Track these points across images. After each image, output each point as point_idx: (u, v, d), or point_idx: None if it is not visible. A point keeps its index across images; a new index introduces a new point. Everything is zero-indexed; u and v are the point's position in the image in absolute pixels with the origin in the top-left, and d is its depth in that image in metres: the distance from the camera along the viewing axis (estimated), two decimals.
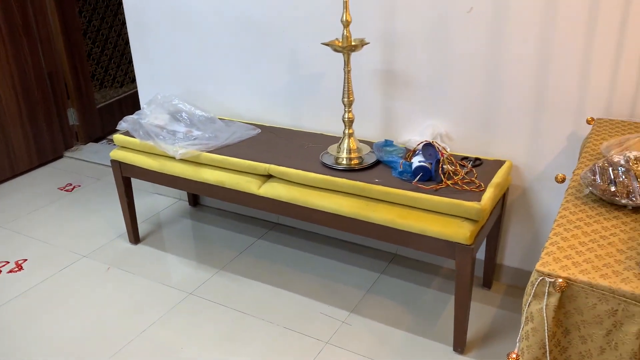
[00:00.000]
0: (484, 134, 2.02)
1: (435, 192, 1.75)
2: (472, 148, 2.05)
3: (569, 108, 1.83)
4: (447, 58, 1.98)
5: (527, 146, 1.96)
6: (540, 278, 0.98)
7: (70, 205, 2.94)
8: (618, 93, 1.74)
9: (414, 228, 1.74)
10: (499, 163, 1.93)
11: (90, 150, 3.64)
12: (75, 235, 2.64)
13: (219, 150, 2.15)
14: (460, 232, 1.67)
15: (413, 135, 2.10)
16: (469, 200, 1.69)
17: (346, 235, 2.50)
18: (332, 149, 2.04)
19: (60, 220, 2.79)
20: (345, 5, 1.82)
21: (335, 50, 1.88)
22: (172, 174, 2.23)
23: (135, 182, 2.64)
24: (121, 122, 2.40)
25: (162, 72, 2.68)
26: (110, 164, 3.36)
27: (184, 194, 2.94)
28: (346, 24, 1.84)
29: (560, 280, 0.96)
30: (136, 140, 2.29)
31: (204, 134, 2.28)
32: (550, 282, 0.97)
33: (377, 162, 1.98)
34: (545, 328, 0.98)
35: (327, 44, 1.89)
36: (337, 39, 1.92)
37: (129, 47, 4.06)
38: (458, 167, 1.85)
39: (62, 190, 3.13)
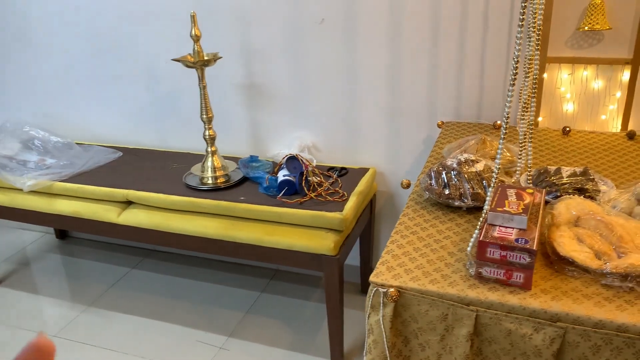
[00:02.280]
0: (349, 143, 2.03)
1: (299, 205, 1.73)
2: (339, 158, 2.06)
3: (423, 112, 1.89)
4: (306, 69, 1.97)
5: (388, 152, 1.99)
6: (375, 289, 0.97)
7: None
8: (465, 96, 1.82)
9: (280, 244, 1.70)
10: (363, 171, 1.95)
11: None
12: None
13: (74, 179, 2.00)
14: (324, 243, 1.66)
15: (281, 149, 2.07)
16: (331, 211, 1.68)
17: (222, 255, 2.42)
18: (196, 168, 1.96)
19: None
20: (194, 20, 1.75)
21: (187, 66, 1.81)
22: (23, 208, 2.03)
23: None
24: None
25: (12, 96, 2.46)
26: None
27: (49, 227, 2.71)
28: (196, 39, 1.78)
29: (392, 289, 0.95)
30: None
31: (59, 162, 2.11)
32: (383, 292, 0.96)
33: (245, 179, 1.93)
34: (384, 339, 0.97)
35: (177, 60, 1.81)
36: (189, 54, 1.85)
37: None
38: (322, 178, 1.85)
39: None
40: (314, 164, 1.95)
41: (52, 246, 2.63)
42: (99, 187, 1.93)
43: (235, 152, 2.17)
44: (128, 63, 2.21)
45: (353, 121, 1.99)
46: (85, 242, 2.64)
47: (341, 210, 1.69)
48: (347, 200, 1.75)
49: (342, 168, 1.97)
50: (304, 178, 1.79)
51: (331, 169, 1.97)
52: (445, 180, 1.18)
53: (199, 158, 2.12)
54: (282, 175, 1.81)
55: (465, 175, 1.16)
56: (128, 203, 1.95)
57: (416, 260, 1.02)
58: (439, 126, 1.78)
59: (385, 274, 0.99)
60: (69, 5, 2.18)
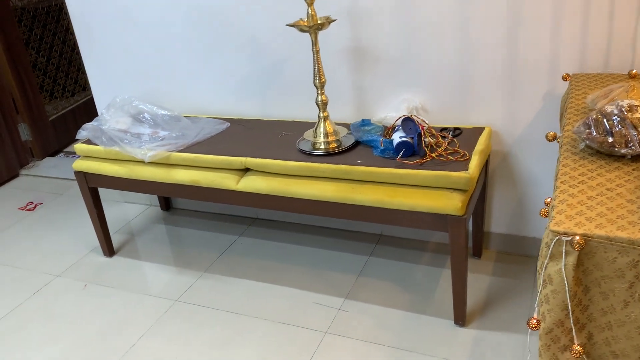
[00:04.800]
0: (460, 102, 1.98)
1: (420, 166, 1.71)
2: (449, 118, 2.02)
3: (543, 67, 1.81)
4: (415, 27, 1.93)
5: (504, 110, 1.93)
6: (556, 238, 0.95)
7: (34, 225, 2.78)
8: (590, 46, 1.73)
9: (403, 205, 1.70)
10: (479, 130, 1.91)
11: (47, 165, 3.47)
12: (45, 255, 2.50)
13: (189, 149, 2.06)
14: (451, 203, 1.64)
15: (388, 112, 2.05)
16: (456, 171, 1.66)
17: (328, 221, 2.44)
18: (309, 134, 1.98)
19: (26, 241, 2.64)
20: None
21: (302, 30, 1.80)
22: (142, 179, 2.12)
23: (102, 192, 2.51)
24: (80, 130, 2.27)
25: (116, 74, 2.55)
26: (72, 177, 3.22)
27: (154, 199, 2.82)
28: (310, 2, 1.77)
29: (578, 237, 0.92)
30: (99, 148, 2.16)
31: (171, 134, 2.18)
32: (566, 240, 0.93)
33: (357, 143, 1.93)
34: (567, 288, 0.95)
35: (292, 25, 1.81)
36: (301, 19, 1.85)
37: (76, 53, 3.88)
38: (440, 139, 1.82)
39: (23, 210, 2.96)
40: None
41: (158, 217, 2.73)
42: (216, 156, 1.97)
43: (341, 118, 2.16)
44: (230, 35, 2.23)
45: (465, 79, 1.94)
46: (189, 212, 2.73)
47: (466, 169, 1.66)
48: (469, 159, 1.71)
49: (456, 128, 1.93)
50: (421, 139, 1.77)
51: (444, 129, 1.93)
52: (608, 128, 1.13)
53: (304, 125, 2.14)
54: (399, 137, 1.80)
55: (631, 122, 1.11)
56: (244, 170, 1.99)
57: (594, 208, 0.99)
58: (564, 79, 1.71)
59: (566, 222, 0.96)
60: None
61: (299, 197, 1.85)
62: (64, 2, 3.72)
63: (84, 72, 3.96)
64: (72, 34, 3.84)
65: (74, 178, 3.21)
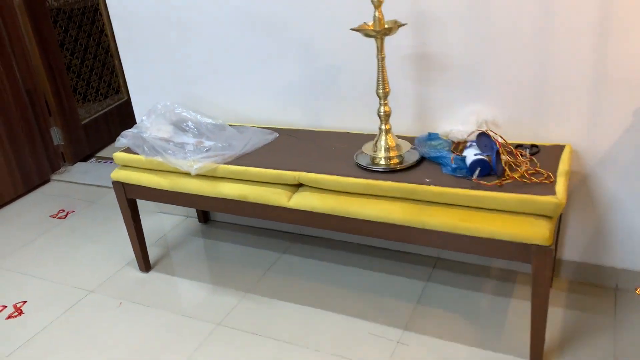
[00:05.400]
0: (535, 117, 1.80)
1: (500, 188, 1.53)
2: (522, 134, 1.84)
3: (635, 80, 1.63)
4: (489, 35, 1.76)
5: (586, 126, 1.75)
6: None
7: (66, 234, 2.66)
8: None
9: (480, 231, 1.52)
10: (558, 148, 1.72)
11: (79, 171, 3.36)
12: (78, 268, 2.37)
13: (237, 161, 1.91)
14: (537, 231, 1.45)
15: (455, 125, 1.87)
16: (541, 194, 1.47)
17: (379, 240, 2.27)
18: (367, 148, 1.81)
19: (57, 252, 2.51)
20: None
21: (367, 35, 1.64)
22: (186, 192, 1.97)
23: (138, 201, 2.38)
24: (119, 137, 2.13)
25: (156, 78, 2.42)
26: (104, 184, 3.11)
27: (192, 211, 2.68)
28: (378, 4, 1.61)
29: None
30: (141, 157, 2.03)
31: (217, 144, 2.03)
32: None
33: (422, 160, 1.76)
34: None
35: (356, 30, 1.65)
36: (365, 22, 1.69)
37: (110, 56, 3.78)
38: (519, 157, 1.64)
39: (54, 217, 2.85)
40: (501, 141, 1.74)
41: (195, 230, 2.59)
42: (267, 170, 1.82)
43: (400, 131, 1.99)
44: (281, 39, 2.08)
45: (542, 91, 1.76)
46: (228, 225, 2.58)
47: (552, 193, 1.48)
48: (554, 181, 1.53)
49: (533, 145, 1.75)
50: (499, 157, 1.59)
51: (519, 146, 1.75)
52: None
53: (359, 137, 1.98)
54: (473, 154, 1.62)
55: None
56: (296, 186, 1.83)
57: None
58: None
59: None
60: None
61: (359, 218, 1.69)
62: (100, 3, 3.63)
63: (117, 75, 3.86)
64: (107, 35, 3.74)
65: (107, 185, 3.12)
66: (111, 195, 3.00)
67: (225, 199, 1.90)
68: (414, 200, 1.64)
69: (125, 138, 2.13)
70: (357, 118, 2.06)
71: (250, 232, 2.50)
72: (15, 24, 3.01)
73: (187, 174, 1.94)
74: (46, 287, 2.26)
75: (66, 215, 2.85)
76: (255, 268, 2.24)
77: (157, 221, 2.70)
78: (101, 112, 3.68)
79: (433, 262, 2.16)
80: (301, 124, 2.19)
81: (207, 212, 2.64)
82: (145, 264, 2.28)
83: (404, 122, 1.99)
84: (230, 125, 2.18)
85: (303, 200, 1.77)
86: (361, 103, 2.04)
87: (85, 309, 2.11)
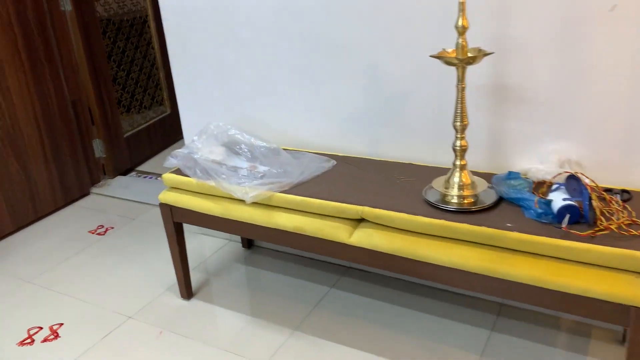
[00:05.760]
0: (627, 159, 1.64)
1: (592, 239, 1.37)
2: (610, 177, 1.67)
3: None
4: (579, 67, 1.61)
5: None
6: None
7: (105, 252, 2.57)
8: None
9: (571, 287, 1.36)
10: None
11: (119, 185, 3.28)
12: (116, 291, 2.27)
13: (293, 190, 1.78)
14: (636, 292, 1.29)
15: (533, 164, 1.72)
16: (636, 248, 1.31)
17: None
18: (438, 183, 1.67)
19: (96, 271, 2.42)
20: (462, 7, 1.45)
21: (449, 63, 1.51)
22: (238, 220, 1.85)
23: None
24: (170, 157, 2.04)
25: (208, 96, 2.32)
26: (144, 200, 3.02)
27: (234, 235, 2.57)
28: (462, 31, 1.48)
29: None
30: (191, 180, 1.92)
31: (271, 170, 1.92)
32: None
33: (499, 200, 1.61)
34: None
35: (437, 57, 1.52)
36: (444, 49, 1.56)
37: (156, 68, 3.73)
38: (614, 205, 1.47)
39: (93, 233, 2.76)
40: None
41: (238, 256, 2.47)
42: (328, 202, 1.69)
43: (470, 166, 1.84)
44: (344, 61, 1.96)
45: (636, 131, 1.60)
46: (273, 253, 2.46)
47: None
48: None
49: (624, 191, 1.58)
50: (591, 204, 1.43)
51: (607, 190, 1.59)
52: None
53: (424, 170, 1.84)
54: (562, 198, 1.47)
55: None
56: (358, 221, 1.70)
57: None
58: None
59: None
60: (275, 0, 1.99)
61: (429, 262, 1.54)
62: (149, 15, 3.59)
63: (161, 89, 3.81)
64: (154, 48, 3.69)
65: (147, 202, 3.04)
66: (151, 213, 2.92)
67: (280, 230, 1.78)
68: (492, 246, 1.49)
69: (175, 158, 2.03)
70: (423, 149, 1.93)
71: (295, 262, 2.37)
72: (66, 33, 2.97)
73: (241, 201, 1.83)
74: (83, 309, 2.16)
75: (105, 232, 2.77)
76: (302, 302, 2.10)
77: (198, 243, 2.59)
78: (144, 126, 3.62)
79: (497, 309, 1.99)
80: (360, 152, 2.06)
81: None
82: (187, 291, 2.16)
83: (475, 157, 1.84)
84: (284, 149, 2.07)
85: (366, 238, 1.63)
86: (428, 133, 1.90)
87: (124, 337, 1.99)
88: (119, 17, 3.37)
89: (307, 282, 2.23)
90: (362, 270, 2.27)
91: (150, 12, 3.61)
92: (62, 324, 2.09)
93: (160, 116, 3.79)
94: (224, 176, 1.86)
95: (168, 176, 2.00)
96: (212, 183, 1.86)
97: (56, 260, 2.52)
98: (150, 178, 3.37)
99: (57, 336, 2.02)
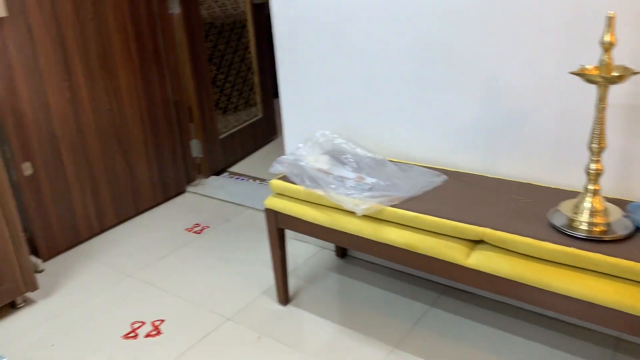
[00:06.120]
0: None
1: None
2: None
3: None
4: None
5: None
6: None
7: (201, 252, 2.62)
8: None
9: None
10: None
11: (213, 185, 3.36)
12: (214, 291, 2.30)
13: (405, 205, 1.73)
14: None
15: None
16: None
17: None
18: (566, 207, 1.56)
19: (193, 269, 2.47)
20: (610, 23, 1.35)
21: (590, 81, 1.41)
22: (344, 231, 1.83)
23: (264, 223, 2.22)
24: (275, 164, 2.04)
25: (313, 103, 2.31)
26: (237, 201, 3.07)
27: (327, 242, 2.55)
28: (608, 47, 1.37)
29: None
30: (299, 188, 1.91)
31: (379, 182, 1.87)
32: None
33: (635, 231, 1.48)
34: None
35: (577, 74, 1.42)
36: (582, 65, 1.46)
37: (252, 72, 3.79)
38: None
39: (189, 231, 2.83)
40: None
41: (331, 265, 2.45)
42: (445, 220, 1.62)
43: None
44: (460, 72, 1.89)
45: None
46: (367, 264, 2.42)
47: None
48: None
49: None
50: None
51: None
52: None
53: (545, 192, 1.74)
54: None
55: None
56: (474, 242, 1.62)
57: None
58: None
59: None
60: (389, 7, 1.94)
61: (555, 292, 1.44)
62: (248, 20, 3.65)
63: (255, 92, 3.87)
64: (250, 52, 3.75)
65: (241, 203, 3.08)
66: (245, 215, 2.96)
67: (389, 245, 1.73)
68: (629, 280, 1.37)
69: (281, 165, 2.04)
70: (544, 169, 1.82)
71: (391, 275, 2.31)
72: (172, 36, 3.07)
73: (349, 212, 1.80)
74: (183, 307, 2.21)
75: (201, 231, 2.83)
76: (401, 319, 2.05)
77: (291, 249, 2.59)
78: (237, 128, 3.69)
79: (614, 343, 1.85)
80: (471, 168, 1.98)
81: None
82: (284, 297, 2.16)
83: (605, 181, 1.71)
84: (390, 161, 2.02)
85: (485, 261, 1.55)
86: (549, 152, 1.79)
87: (223, 339, 2.01)
88: (220, 21, 3.45)
89: (404, 297, 2.17)
90: (462, 290, 2.18)
91: (249, 17, 3.68)
92: (163, 320, 2.14)
93: (253, 119, 3.85)
94: (332, 186, 1.84)
95: (276, 182, 2.00)
96: (320, 192, 1.84)
97: (156, 256, 2.60)
98: (242, 180, 3.42)
99: (159, 332, 2.07)
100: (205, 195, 3.23)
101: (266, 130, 4.02)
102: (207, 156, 3.42)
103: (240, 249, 2.62)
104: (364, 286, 2.27)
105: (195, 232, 2.82)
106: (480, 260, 1.56)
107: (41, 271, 2.51)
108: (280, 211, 1.98)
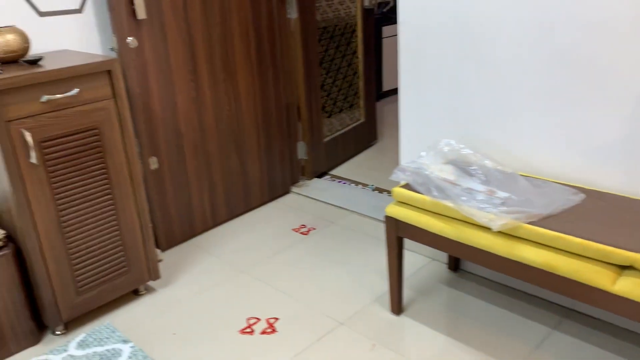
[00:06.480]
0: None
1: None
2: None
3: None
4: None
5: None
6: None
7: (309, 253, 2.66)
8: None
9: None
10: None
11: (316, 187, 3.40)
12: (324, 294, 2.32)
13: (543, 223, 1.66)
14: None
15: None
16: None
17: None
18: None
19: (303, 270, 2.51)
20: None
21: None
22: (472, 246, 1.78)
23: (376, 230, 2.22)
24: (397, 171, 2.02)
25: (435, 111, 2.28)
26: (340, 205, 3.09)
27: (440, 254, 2.50)
28: None
29: None
30: (425, 198, 1.88)
31: (512, 197, 1.81)
32: None
33: None
34: None
35: None
36: None
37: (357, 77, 3.81)
38: None
39: (296, 232, 2.88)
40: None
41: (443, 277, 2.40)
42: (590, 242, 1.54)
43: None
44: (606, 86, 1.79)
45: None
46: (481, 280, 2.35)
47: None
48: None
49: None
50: None
51: None
52: None
53: None
54: None
55: None
56: (622, 267, 1.52)
57: None
58: None
59: None
60: (526, 17, 1.86)
61: None
62: (358, 24, 3.67)
63: (359, 97, 3.88)
64: (357, 57, 3.77)
65: (344, 207, 3.10)
66: (349, 219, 2.97)
67: (524, 264, 1.67)
68: None
69: (403, 173, 2.02)
70: None
71: (507, 293, 2.23)
72: (289, 39, 3.14)
73: (479, 226, 1.75)
74: (296, 307, 2.24)
75: (308, 232, 2.87)
76: (520, 340, 1.97)
77: None
78: (341, 132, 3.71)
79: None
80: (612, 188, 1.87)
81: (458, 259, 2.43)
82: (397, 306, 2.14)
83: None
84: (521, 175, 1.94)
85: (634, 288, 1.45)
86: None
87: (337, 343, 2.02)
88: (332, 26, 3.49)
89: (523, 318, 2.08)
90: (587, 314, 2.06)
91: (359, 21, 3.69)
92: (277, 318, 2.18)
93: (355, 123, 3.86)
94: (463, 198, 1.80)
95: (399, 190, 1.98)
96: (449, 204, 1.80)
97: (266, 254, 2.67)
98: (345, 183, 3.43)
99: (274, 330, 2.12)
100: (309, 197, 3.28)
101: (367, 135, 4.02)
102: (312, 158, 3.46)
103: (349, 253, 2.63)
104: (479, 302, 2.20)
105: (302, 232, 2.86)
106: (628, 287, 1.47)
107: (160, 261, 2.65)
108: (402, 220, 1.96)
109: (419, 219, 1.91)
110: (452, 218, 1.83)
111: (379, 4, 5.54)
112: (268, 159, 3.16)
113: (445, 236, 1.84)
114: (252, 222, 3.02)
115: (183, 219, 2.79)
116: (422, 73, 2.27)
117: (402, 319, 2.14)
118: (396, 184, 3.36)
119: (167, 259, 2.68)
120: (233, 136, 2.93)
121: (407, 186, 1.99)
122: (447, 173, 1.98)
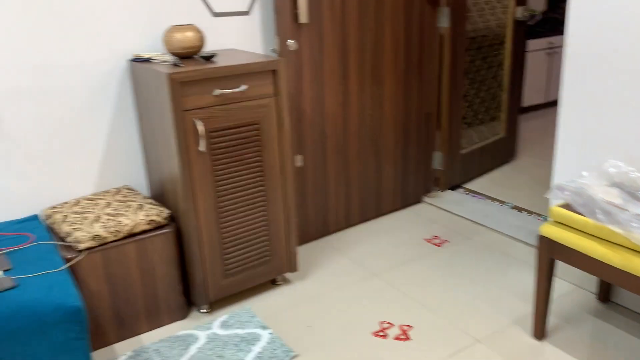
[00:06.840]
0: None
1: None
2: None
3: None
4: None
5: None
6: None
7: (444, 266, 2.61)
8: None
9: None
10: None
11: (449, 200, 3.33)
12: (461, 309, 2.26)
13: None
14: None
15: None
16: None
17: None
18: None
19: (437, 282, 2.47)
20: None
21: None
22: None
23: (509, 248, 2.12)
24: (555, 189, 1.92)
25: (598, 132, 2.13)
26: (476, 220, 2.99)
27: (587, 282, 2.34)
28: None
29: None
30: (587, 220, 1.77)
31: None
32: None
33: None
34: None
35: None
36: None
37: (501, 90, 3.68)
38: None
39: (428, 242, 2.84)
40: None
41: (590, 307, 2.24)
42: None
43: None
44: None
45: None
46: (632, 314, 2.16)
47: None
48: None
49: None
50: None
51: None
52: None
53: None
54: None
55: None
56: None
57: None
58: None
59: None
60: None
61: None
62: (507, 36, 3.55)
63: (501, 111, 3.75)
64: (503, 69, 3.64)
65: (480, 222, 3.00)
66: (486, 235, 2.87)
67: None
68: None
69: (561, 192, 1.91)
70: None
71: None
72: (436, 49, 3.11)
73: None
74: (431, 318, 2.21)
75: (441, 244, 2.82)
76: None
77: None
78: (479, 145, 3.61)
79: None
80: None
81: (609, 290, 2.25)
82: (541, 331, 2.03)
83: None
84: None
85: None
86: None
87: None
88: (481, 36, 3.41)
89: None
90: None
91: (509, 32, 3.57)
92: (411, 326, 2.17)
93: (495, 138, 3.74)
94: (634, 225, 1.66)
95: (558, 210, 1.88)
96: (617, 229, 1.68)
97: (398, 260, 2.66)
98: (481, 198, 3.33)
99: (407, 338, 2.10)
100: (442, 209, 3.22)
101: (506, 150, 3.87)
102: (447, 169, 3.40)
103: (486, 271, 2.54)
104: (631, 338, 2.02)
105: (434, 244, 2.82)
106: None
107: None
108: (558, 241, 1.86)
109: (578, 242, 1.80)
110: (618, 245, 1.70)
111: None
112: (403, 166, 3.16)
113: (609, 263, 1.72)
114: (383, 227, 3.03)
115: (319, 217, 2.87)
116: (588, 91, 2.14)
117: (544, 344, 2.02)
118: (544, 203, 3.20)
119: (301, 253, 2.77)
120: (372, 141, 2.97)
121: (567, 206, 1.88)
122: (612, 196, 1.85)
